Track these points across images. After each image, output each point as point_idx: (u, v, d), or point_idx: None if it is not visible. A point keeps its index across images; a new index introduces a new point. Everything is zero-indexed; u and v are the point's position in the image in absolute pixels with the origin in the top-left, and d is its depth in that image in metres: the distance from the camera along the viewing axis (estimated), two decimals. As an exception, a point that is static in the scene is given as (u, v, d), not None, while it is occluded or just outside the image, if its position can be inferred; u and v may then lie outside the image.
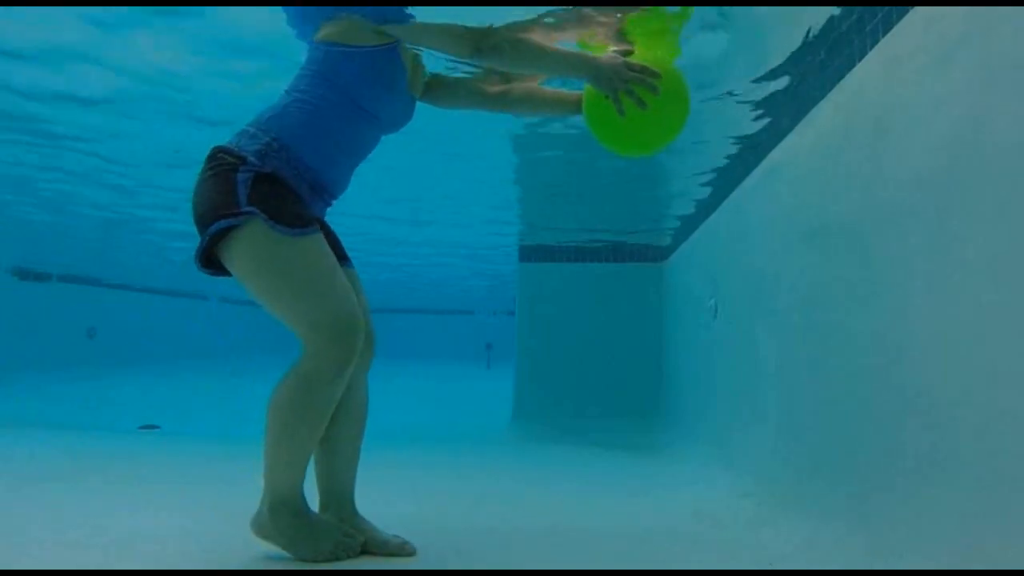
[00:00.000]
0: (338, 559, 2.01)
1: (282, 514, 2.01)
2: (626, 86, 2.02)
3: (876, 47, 2.13)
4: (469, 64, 2.41)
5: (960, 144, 1.68)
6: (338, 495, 2.18)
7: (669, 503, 3.13)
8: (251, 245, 1.90)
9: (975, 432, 1.59)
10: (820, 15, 2.30)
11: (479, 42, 2.04)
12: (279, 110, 2.04)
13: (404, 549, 2.16)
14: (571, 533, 2.55)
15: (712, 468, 3.63)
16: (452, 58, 2.32)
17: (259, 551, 2.09)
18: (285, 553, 2.03)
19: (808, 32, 2.40)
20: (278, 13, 2.48)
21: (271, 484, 2.02)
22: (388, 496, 2.81)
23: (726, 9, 2.30)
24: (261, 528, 2.05)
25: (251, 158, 1.93)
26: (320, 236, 1.99)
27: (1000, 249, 1.52)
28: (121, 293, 11.22)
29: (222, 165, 1.94)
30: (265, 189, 1.91)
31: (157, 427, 5.89)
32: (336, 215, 2.30)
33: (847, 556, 1.99)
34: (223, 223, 1.88)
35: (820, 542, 2.19)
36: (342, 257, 2.21)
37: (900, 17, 1.99)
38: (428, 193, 5.32)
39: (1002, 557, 1.46)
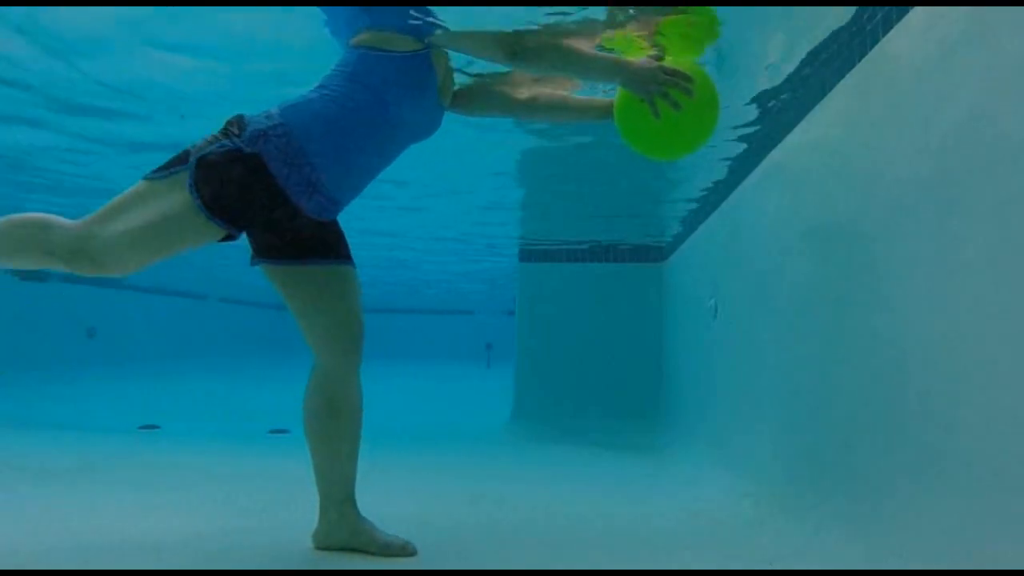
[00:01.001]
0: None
1: None
2: (661, 89, 2.02)
3: (876, 47, 2.13)
4: (505, 68, 2.40)
5: (960, 144, 1.68)
6: (338, 495, 2.19)
7: (669, 503, 3.13)
8: (167, 178, 1.92)
9: (975, 432, 1.59)
10: (820, 14, 2.30)
11: (515, 46, 2.04)
12: (302, 100, 2.04)
13: (405, 550, 2.16)
14: (570, 533, 2.55)
15: (712, 469, 3.63)
16: (487, 63, 2.30)
17: (259, 551, 2.10)
18: (288, 552, 2.03)
19: (808, 32, 2.40)
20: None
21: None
22: (388, 496, 2.80)
23: (725, 9, 2.30)
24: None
25: (245, 134, 1.94)
26: (208, 232, 1.93)
27: (1000, 249, 1.52)
28: (121, 293, 11.22)
29: (227, 128, 1.98)
30: (224, 168, 1.91)
31: (157, 427, 5.88)
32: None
33: (847, 556, 1.99)
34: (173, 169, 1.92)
35: (819, 542, 2.19)
36: (344, 256, 2.19)
37: (900, 17, 1.98)
38: (428, 193, 5.32)
39: (1002, 557, 1.46)
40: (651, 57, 2.17)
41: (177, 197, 1.90)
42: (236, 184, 1.91)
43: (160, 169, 1.94)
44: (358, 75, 2.04)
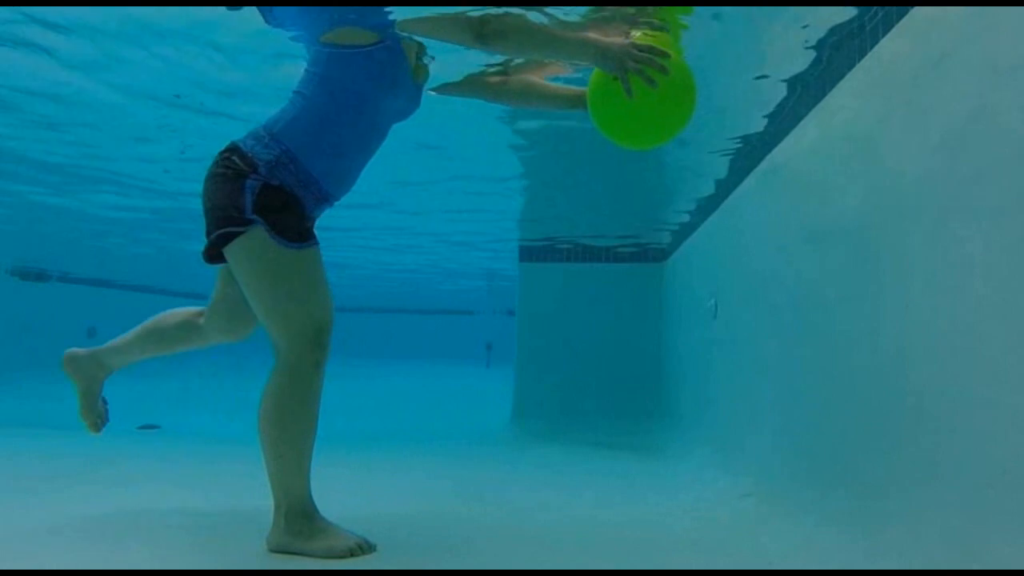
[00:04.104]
0: (353, 555, 2.03)
1: (297, 518, 2.05)
2: (635, 65, 1.97)
3: (876, 47, 2.13)
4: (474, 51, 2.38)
5: (960, 144, 1.68)
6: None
7: (668, 503, 3.13)
8: (251, 250, 2.00)
9: (975, 432, 1.59)
10: (820, 15, 2.30)
11: (481, 28, 2.02)
12: (290, 118, 2.07)
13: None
14: (570, 533, 2.55)
15: (712, 468, 3.63)
16: (456, 47, 2.28)
17: (260, 551, 2.09)
18: (292, 555, 2.04)
19: (808, 32, 2.40)
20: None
21: (282, 492, 2.05)
22: (388, 495, 2.81)
23: (725, 8, 2.30)
24: (278, 542, 2.07)
25: (262, 168, 2.01)
26: (316, 250, 2.09)
27: (1000, 249, 1.52)
28: (121, 293, 11.22)
29: (233, 168, 2.01)
30: (270, 200, 2.00)
31: (157, 427, 5.88)
32: (336, 217, 2.30)
33: (847, 556, 1.99)
34: (229, 229, 1.98)
35: (820, 542, 2.18)
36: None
37: (900, 17, 1.99)
38: (428, 193, 5.32)
39: (1002, 557, 1.46)
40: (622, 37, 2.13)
41: (293, 261, 2.02)
42: (286, 211, 2.03)
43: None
44: (329, 77, 2.07)
